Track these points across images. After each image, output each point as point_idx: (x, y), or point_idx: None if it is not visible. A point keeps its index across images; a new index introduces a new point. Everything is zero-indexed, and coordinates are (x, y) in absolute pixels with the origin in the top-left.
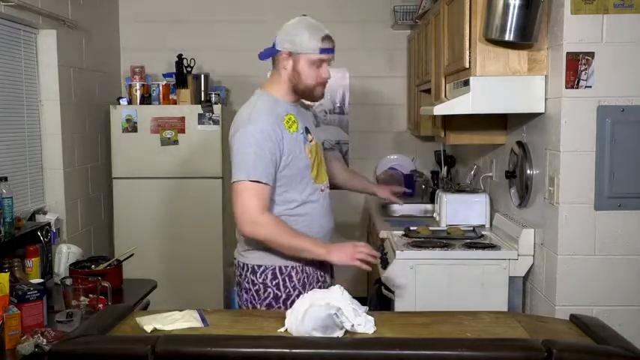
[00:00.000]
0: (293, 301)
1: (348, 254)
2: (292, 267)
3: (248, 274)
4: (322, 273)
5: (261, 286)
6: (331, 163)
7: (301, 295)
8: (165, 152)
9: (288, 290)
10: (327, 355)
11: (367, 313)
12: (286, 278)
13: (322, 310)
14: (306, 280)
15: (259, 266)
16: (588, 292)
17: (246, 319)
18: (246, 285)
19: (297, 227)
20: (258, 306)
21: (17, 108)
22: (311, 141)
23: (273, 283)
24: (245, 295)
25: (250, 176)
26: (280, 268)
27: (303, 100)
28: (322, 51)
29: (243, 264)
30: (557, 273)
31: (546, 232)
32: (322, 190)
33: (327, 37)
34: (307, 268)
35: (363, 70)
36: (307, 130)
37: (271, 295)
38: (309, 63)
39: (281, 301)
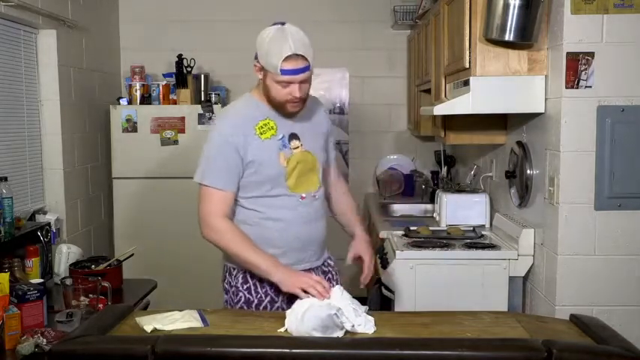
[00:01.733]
0: (265, 308)
1: (291, 281)
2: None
3: (226, 275)
4: None
5: (234, 289)
6: (334, 194)
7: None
8: (165, 152)
9: (259, 296)
10: (327, 355)
11: (367, 313)
12: (257, 283)
13: (322, 310)
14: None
15: (233, 268)
16: (588, 292)
17: (246, 319)
18: (225, 286)
19: (270, 233)
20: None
21: (17, 108)
22: (296, 148)
23: (244, 287)
24: (225, 296)
25: (204, 180)
26: (251, 272)
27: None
28: (283, 72)
29: (223, 264)
30: (557, 273)
31: (546, 232)
32: (303, 198)
33: (292, 57)
34: None
35: (363, 70)
36: (293, 137)
37: (242, 300)
38: (275, 81)
39: (253, 306)
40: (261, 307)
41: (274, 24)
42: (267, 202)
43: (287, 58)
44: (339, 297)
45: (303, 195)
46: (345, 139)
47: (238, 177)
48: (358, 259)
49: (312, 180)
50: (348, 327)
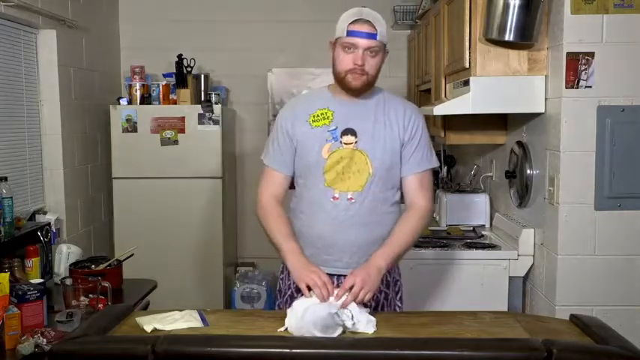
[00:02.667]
0: (287, 300)
1: (300, 274)
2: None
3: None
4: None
5: (278, 277)
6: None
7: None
8: (165, 152)
9: (286, 287)
10: (327, 355)
11: (369, 314)
12: (287, 274)
13: (323, 308)
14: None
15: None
16: (588, 292)
17: (246, 319)
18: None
19: (299, 225)
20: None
21: (17, 108)
22: (348, 144)
23: (280, 276)
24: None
25: (264, 158)
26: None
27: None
28: (349, 33)
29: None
30: (557, 273)
31: (546, 232)
32: (335, 199)
33: (359, 21)
34: None
35: None
36: (349, 132)
37: (277, 287)
38: (341, 47)
39: (281, 295)
40: (285, 298)
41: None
42: (303, 194)
43: (355, 22)
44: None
45: (336, 195)
46: None
47: (288, 158)
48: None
49: (356, 181)
50: (348, 324)
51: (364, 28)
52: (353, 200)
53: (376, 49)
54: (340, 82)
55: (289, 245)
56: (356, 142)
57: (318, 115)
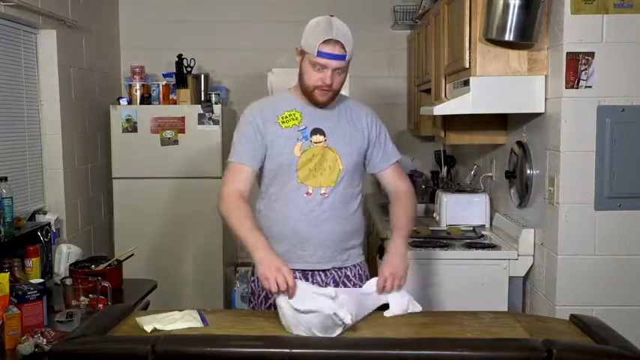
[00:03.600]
0: (261, 301)
1: (265, 270)
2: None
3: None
4: (296, 275)
5: (249, 279)
6: (392, 202)
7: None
8: (165, 152)
9: (259, 288)
10: (327, 355)
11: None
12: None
13: (322, 309)
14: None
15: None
16: (588, 292)
17: (246, 319)
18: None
19: (271, 223)
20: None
21: (17, 108)
22: (318, 142)
23: (252, 278)
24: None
25: (231, 157)
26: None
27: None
28: (319, 54)
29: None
30: (557, 273)
31: (546, 232)
32: (308, 194)
33: (330, 41)
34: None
35: (363, 70)
36: (317, 131)
37: (250, 290)
38: (310, 64)
39: (255, 297)
40: (260, 299)
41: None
42: (275, 192)
43: (326, 42)
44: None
45: (310, 190)
46: None
47: (258, 153)
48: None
49: (328, 177)
50: (348, 321)
51: (335, 50)
52: (326, 195)
53: (344, 67)
54: (307, 94)
55: (256, 241)
56: (325, 140)
57: (286, 117)
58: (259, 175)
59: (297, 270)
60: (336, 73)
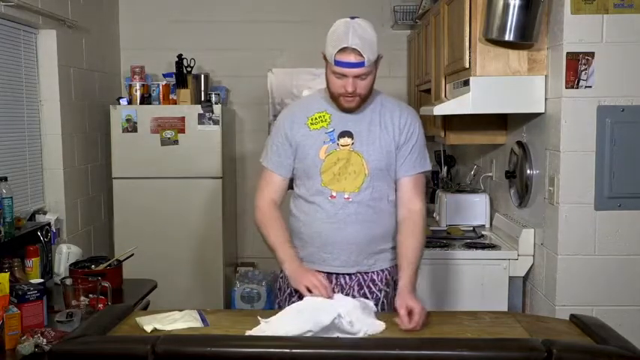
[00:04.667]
0: (286, 297)
1: (297, 278)
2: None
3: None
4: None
5: (278, 275)
6: (401, 221)
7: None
8: (165, 152)
9: (285, 285)
10: (327, 355)
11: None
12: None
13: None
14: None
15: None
16: (588, 292)
17: (246, 319)
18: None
19: (297, 224)
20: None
21: (17, 108)
22: (345, 146)
23: (280, 275)
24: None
25: (263, 161)
26: None
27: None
28: (337, 63)
29: None
30: (557, 273)
31: (546, 232)
32: (332, 197)
33: (346, 50)
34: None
35: None
36: (346, 134)
37: (277, 285)
38: (332, 72)
39: (281, 293)
40: (284, 298)
41: (349, 17)
42: (303, 194)
43: (341, 50)
44: (342, 301)
45: (334, 194)
46: None
47: (285, 161)
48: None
49: (353, 182)
50: (348, 329)
51: (351, 59)
52: (350, 200)
53: (366, 72)
54: (334, 100)
55: (285, 252)
56: (352, 143)
57: (316, 118)
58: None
59: (322, 272)
60: (359, 79)
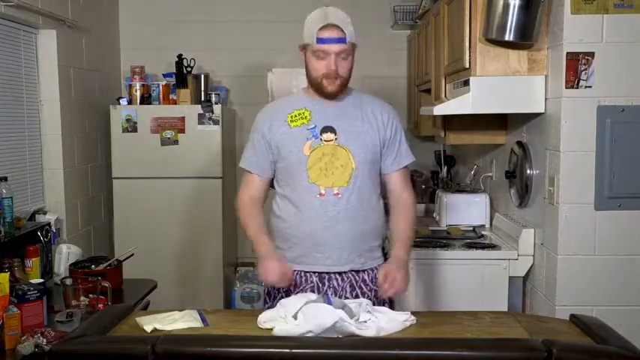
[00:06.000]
0: (275, 299)
1: (260, 271)
2: None
3: None
4: (312, 279)
5: None
6: (393, 207)
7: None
8: (165, 152)
9: (277, 289)
10: (327, 355)
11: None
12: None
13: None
14: (297, 280)
15: None
16: (588, 292)
17: (246, 319)
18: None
19: (283, 225)
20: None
21: (17, 108)
22: (328, 141)
23: None
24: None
25: (241, 163)
26: None
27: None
28: (319, 40)
29: None
30: (557, 273)
31: (546, 232)
32: (322, 195)
33: (327, 27)
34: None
35: (363, 70)
36: (328, 129)
37: (265, 291)
38: (312, 54)
39: (271, 299)
40: (275, 302)
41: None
42: (287, 194)
43: (323, 28)
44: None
45: (322, 191)
46: None
47: (263, 161)
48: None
49: (341, 176)
50: (352, 329)
51: (333, 34)
52: (339, 195)
53: (347, 51)
54: (316, 87)
55: (263, 239)
56: (336, 138)
57: (295, 116)
58: (273, 178)
59: (314, 272)
60: (340, 58)
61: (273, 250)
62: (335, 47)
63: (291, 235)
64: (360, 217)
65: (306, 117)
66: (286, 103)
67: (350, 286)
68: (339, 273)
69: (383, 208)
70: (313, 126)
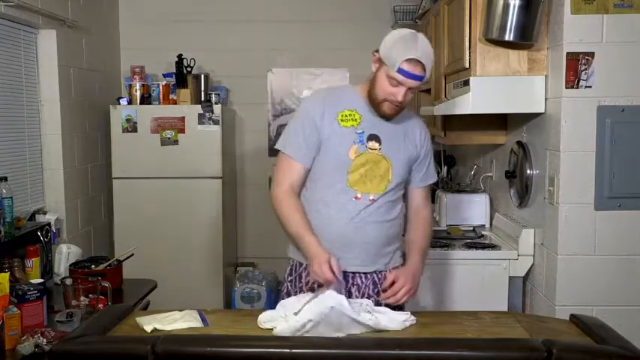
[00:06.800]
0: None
1: (311, 268)
2: (305, 267)
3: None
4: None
5: (284, 280)
6: (412, 222)
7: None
8: (165, 152)
9: (296, 291)
10: (327, 355)
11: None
12: (297, 277)
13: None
14: (315, 285)
15: (289, 258)
16: (588, 292)
17: (246, 319)
18: (287, 283)
19: (317, 222)
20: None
21: (17, 108)
22: (373, 149)
23: (289, 278)
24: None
25: (285, 148)
26: (297, 264)
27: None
28: (400, 71)
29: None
30: (557, 273)
31: (546, 232)
32: (357, 199)
33: (413, 61)
34: None
35: (363, 70)
36: (374, 138)
37: (285, 291)
38: (386, 76)
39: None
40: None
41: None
42: (321, 192)
43: (409, 60)
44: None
45: (359, 195)
46: None
47: (310, 152)
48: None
49: (378, 185)
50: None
51: (417, 71)
52: (374, 201)
53: (418, 85)
54: (374, 102)
55: (311, 238)
56: (380, 148)
57: (346, 115)
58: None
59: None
60: (410, 91)
61: (324, 249)
62: (412, 83)
63: (321, 232)
64: (387, 222)
65: (356, 119)
66: (339, 97)
67: (373, 284)
68: (364, 273)
69: (402, 217)
70: (361, 131)
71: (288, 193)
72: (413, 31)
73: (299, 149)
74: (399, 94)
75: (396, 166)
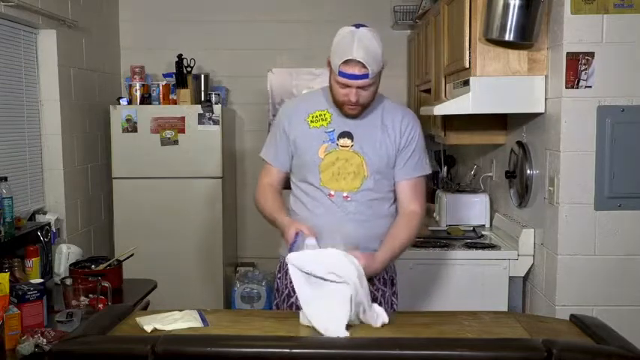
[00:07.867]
0: (284, 299)
1: (290, 232)
2: None
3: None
4: None
5: (275, 276)
6: (397, 216)
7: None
8: (165, 152)
9: (283, 286)
10: (327, 355)
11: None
12: (284, 274)
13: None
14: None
15: (279, 256)
16: (588, 292)
17: (246, 319)
18: (277, 281)
19: (297, 219)
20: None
21: (17, 108)
22: (344, 146)
23: (278, 275)
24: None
25: (262, 153)
26: (284, 261)
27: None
28: (341, 74)
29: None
30: (557, 273)
31: (546, 232)
32: (331, 196)
33: (351, 61)
34: None
35: None
36: (345, 135)
37: (275, 287)
38: (335, 80)
39: (279, 294)
40: (284, 297)
41: (353, 25)
42: (301, 192)
43: (347, 62)
44: (358, 285)
45: (332, 193)
46: None
47: (281, 155)
48: None
49: (352, 181)
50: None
51: (356, 70)
52: (349, 198)
53: (369, 84)
54: (337, 105)
55: (284, 218)
56: (352, 145)
57: (316, 116)
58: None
59: None
60: (362, 89)
61: (295, 222)
62: (356, 83)
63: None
64: (370, 221)
65: (326, 119)
66: (310, 101)
67: None
68: None
69: (394, 215)
70: (332, 129)
71: (265, 187)
72: (352, 28)
73: (273, 154)
74: (351, 94)
75: (372, 160)
